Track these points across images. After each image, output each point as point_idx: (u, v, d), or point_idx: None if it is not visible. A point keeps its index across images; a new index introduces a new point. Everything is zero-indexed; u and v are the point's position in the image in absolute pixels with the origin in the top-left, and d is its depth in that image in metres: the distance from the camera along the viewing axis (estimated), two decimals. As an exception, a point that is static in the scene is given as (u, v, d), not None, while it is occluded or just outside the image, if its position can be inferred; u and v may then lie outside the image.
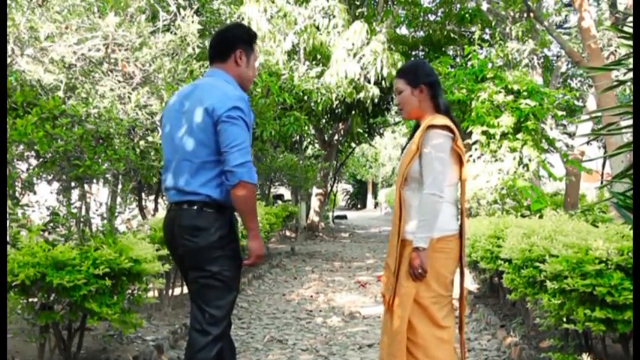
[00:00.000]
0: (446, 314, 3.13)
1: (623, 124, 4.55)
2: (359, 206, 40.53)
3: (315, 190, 18.04)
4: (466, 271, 3.31)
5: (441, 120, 3.12)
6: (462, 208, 3.20)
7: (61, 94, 4.88)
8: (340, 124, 17.61)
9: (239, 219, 3.13)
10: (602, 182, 18.92)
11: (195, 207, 2.99)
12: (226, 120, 2.91)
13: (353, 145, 21.50)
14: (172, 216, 3.09)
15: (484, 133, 9.13)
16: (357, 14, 15.95)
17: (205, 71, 3.43)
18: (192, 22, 5.93)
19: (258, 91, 9.68)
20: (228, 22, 11.52)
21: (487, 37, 16.94)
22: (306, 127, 14.28)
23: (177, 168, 3.05)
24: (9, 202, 3.97)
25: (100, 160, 4.62)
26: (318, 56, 13.01)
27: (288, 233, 16.60)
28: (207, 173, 2.98)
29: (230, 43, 3.21)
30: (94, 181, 5.23)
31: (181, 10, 6.01)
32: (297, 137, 15.32)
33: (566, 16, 17.60)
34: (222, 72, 3.17)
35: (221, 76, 3.16)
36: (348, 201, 41.39)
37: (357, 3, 16.99)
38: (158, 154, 5.39)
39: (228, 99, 2.96)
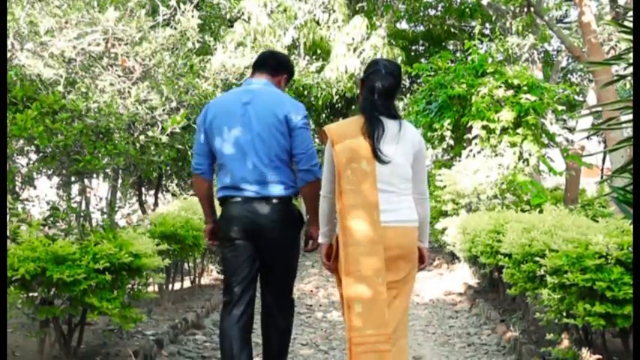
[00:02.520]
0: None
1: (623, 118, 4.55)
2: (359, 201, 40.54)
3: (315, 185, 18.04)
4: (348, 279, 2.99)
5: (336, 123, 3.36)
6: (340, 212, 3.07)
7: (60, 88, 4.87)
8: (340, 119, 17.59)
9: None
10: (602, 177, 18.93)
11: (281, 203, 3.42)
12: (302, 127, 3.42)
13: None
14: (253, 208, 3.40)
15: (484, 127, 9.14)
16: (357, 9, 15.91)
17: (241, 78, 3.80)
18: (193, 16, 5.91)
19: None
20: (228, 16, 11.51)
21: (487, 31, 16.92)
22: (307, 122, 14.26)
23: (252, 165, 3.39)
24: (9, 197, 3.96)
25: (99, 155, 4.62)
26: (318, 51, 12.99)
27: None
28: (284, 172, 3.44)
29: (283, 66, 3.71)
30: (94, 175, 5.23)
31: (181, 4, 5.99)
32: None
33: (566, 10, 17.58)
34: (272, 84, 3.60)
35: (275, 87, 3.60)
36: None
37: (357, -3, 16.96)
38: (158, 149, 5.38)
39: (300, 109, 3.48)
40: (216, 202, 3.66)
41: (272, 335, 3.56)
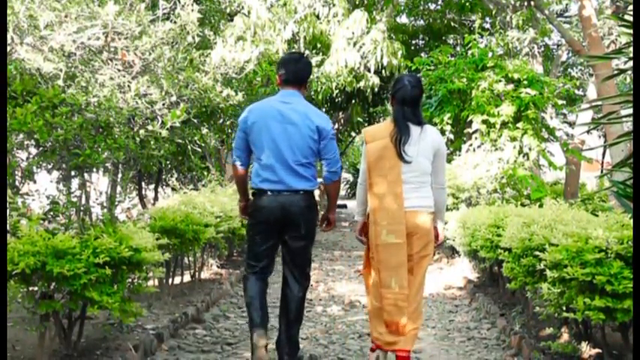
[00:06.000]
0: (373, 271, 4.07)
1: (624, 113, 4.56)
2: (359, 195, 40.45)
3: (315, 180, 18.03)
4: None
5: (372, 126, 4.45)
6: (371, 199, 4.04)
7: (60, 82, 4.86)
8: (340, 113, 17.59)
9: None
10: (602, 171, 18.95)
11: (306, 194, 4.21)
12: (331, 137, 4.26)
13: (353, 134, 21.48)
14: (285, 200, 4.15)
15: (484, 122, 9.12)
16: (357, 3, 15.86)
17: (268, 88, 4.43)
18: (192, 10, 5.90)
19: (258, 80, 9.65)
20: (227, 10, 11.49)
21: (487, 25, 16.89)
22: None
23: (288, 165, 4.14)
24: (9, 191, 3.96)
25: (99, 149, 4.61)
26: (318, 45, 12.95)
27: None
28: (310, 170, 4.23)
29: (308, 73, 4.47)
30: (94, 170, 5.22)
31: (181, -2, 5.98)
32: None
33: (566, 4, 17.52)
34: (302, 95, 4.33)
35: (303, 98, 4.35)
36: (348, 190, 41.35)
37: (357, -9, 16.90)
38: (158, 143, 5.38)
39: (329, 122, 4.34)
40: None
41: (290, 302, 4.32)
